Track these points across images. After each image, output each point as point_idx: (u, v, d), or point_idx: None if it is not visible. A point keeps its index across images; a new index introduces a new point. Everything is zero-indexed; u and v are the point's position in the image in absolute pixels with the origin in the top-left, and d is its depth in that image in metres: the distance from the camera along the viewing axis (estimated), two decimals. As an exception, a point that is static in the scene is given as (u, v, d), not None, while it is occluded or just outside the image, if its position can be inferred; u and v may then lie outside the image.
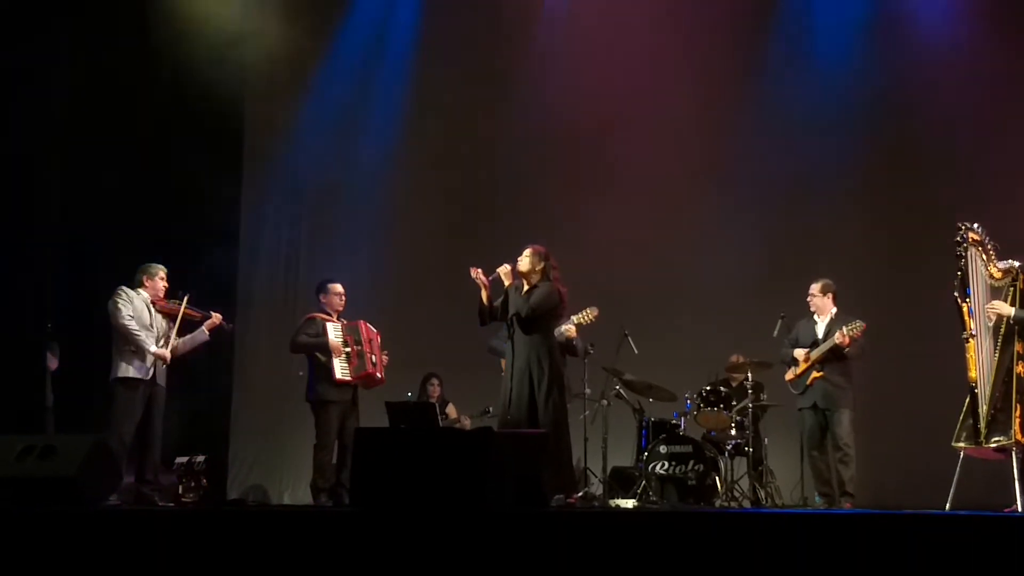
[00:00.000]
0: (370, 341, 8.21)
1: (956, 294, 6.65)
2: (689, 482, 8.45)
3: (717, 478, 8.47)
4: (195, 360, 8.66)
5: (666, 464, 8.55)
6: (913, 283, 9.50)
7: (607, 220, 10.48)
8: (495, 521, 5.09)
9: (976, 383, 6.62)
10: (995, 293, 6.76)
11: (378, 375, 8.22)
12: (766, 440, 8.90)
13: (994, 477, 7.14)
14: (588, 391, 8.79)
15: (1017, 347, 6.62)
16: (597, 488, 8.96)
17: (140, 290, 7.82)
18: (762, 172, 10.43)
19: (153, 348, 7.67)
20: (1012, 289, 6.72)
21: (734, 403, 8.90)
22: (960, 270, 6.64)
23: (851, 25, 10.38)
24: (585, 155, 10.78)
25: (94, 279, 8.94)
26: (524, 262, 7.49)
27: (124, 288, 7.76)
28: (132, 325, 7.63)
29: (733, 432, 8.81)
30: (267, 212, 10.99)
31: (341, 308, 8.34)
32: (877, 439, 8.84)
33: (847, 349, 7.92)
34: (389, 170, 10.84)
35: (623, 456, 9.29)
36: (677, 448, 8.59)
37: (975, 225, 6.67)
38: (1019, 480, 6.39)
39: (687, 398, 9.01)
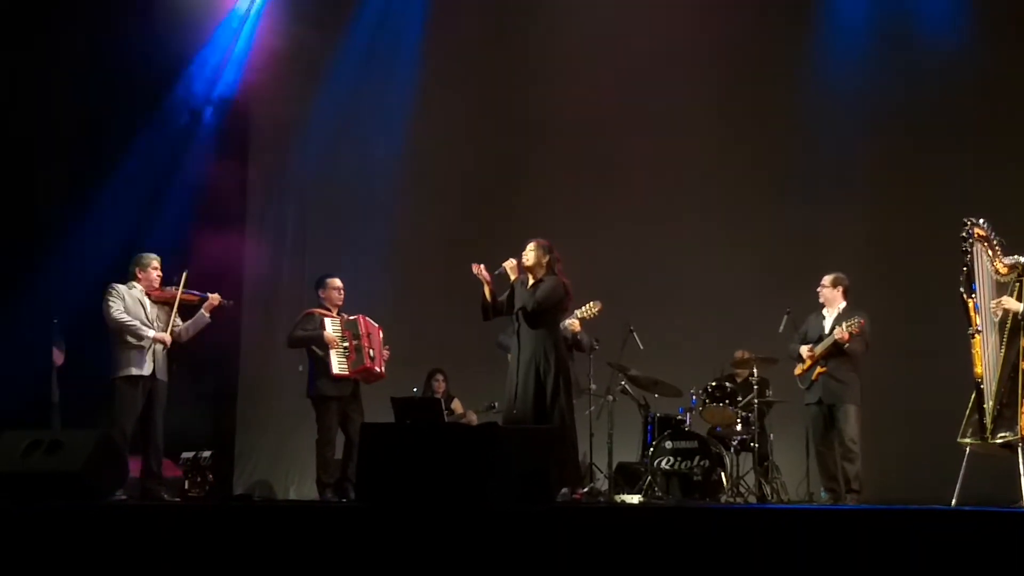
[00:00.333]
0: (368, 335, 8.17)
1: (962, 290, 6.64)
2: (694, 478, 8.44)
3: (723, 474, 8.46)
4: (201, 357, 8.69)
5: (671, 460, 8.54)
6: (918, 279, 9.48)
7: (612, 216, 10.50)
8: (500, 516, 5.09)
9: (982, 379, 6.61)
10: (1001, 289, 6.74)
11: (377, 369, 8.17)
12: (772, 436, 8.89)
13: (1000, 473, 7.12)
14: (594, 387, 8.80)
15: (1023, 343, 6.62)
16: (603, 484, 8.96)
17: (134, 283, 7.81)
18: (768, 168, 10.42)
19: (151, 333, 7.66)
20: (1019, 284, 6.71)
21: (739, 399, 8.90)
22: (966, 266, 6.63)
23: (859, 25, 10.36)
24: (590, 151, 10.78)
25: (99, 272, 8.95)
26: (530, 256, 7.48)
27: (114, 285, 7.75)
28: (124, 317, 7.62)
29: (739, 428, 8.81)
30: (273, 208, 11.00)
31: (340, 303, 8.30)
32: (883, 435, 8.82)
33: (847, 345, 7.90)
34: (394, 166, 10.83)
35: (628, 452, 9.29)
36: (682, 444, 8.58)
37: (981, 221, 6.66)
38: (1025, 476, 6.39)
39: (692, 394, 9.00)
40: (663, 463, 8.55)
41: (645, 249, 10.33)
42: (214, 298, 7.95)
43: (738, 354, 9.30)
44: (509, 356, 7.65)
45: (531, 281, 7.48)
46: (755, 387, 8.69)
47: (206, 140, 10.38)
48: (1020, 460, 6.46)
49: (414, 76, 10.93)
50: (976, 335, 6.60)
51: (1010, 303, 6.64)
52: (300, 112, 10.90)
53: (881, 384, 8.82)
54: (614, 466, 8.96)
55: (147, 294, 7.81)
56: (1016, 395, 6.55)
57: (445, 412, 8.38)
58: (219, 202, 10.16)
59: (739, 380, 9.28)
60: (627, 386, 9.13)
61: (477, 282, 7.53)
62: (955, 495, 6.67)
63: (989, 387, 6.61)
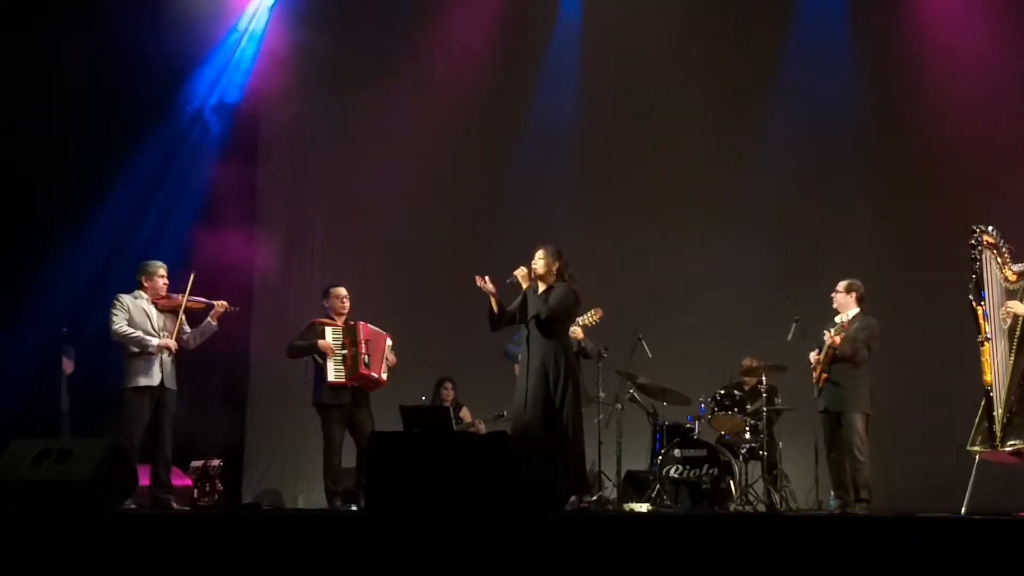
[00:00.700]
0: (367, 342, 8.15)
1: (971, 297, 6.63)
2: (703, 486, 8.43)
3: (731, 482, 8.44)
4: (210, 365, 8.69)
5: (680, 468, 8.53)
6: (927, 287, 9.47)
7: (621, 223, 10.50)
8: (509, 525, 5.09)
9: (991, 387, 6.59)
10: (1010, 296, 6.73)
11: (374, 375, 8.14)
12: (780, 444, 8.86)
13: (1010, 481, 7.11)
14: (602, 395, 8.79)
15: (1033, 350, 6.61)
16: (611, 492, 8.96)
17: (140, 292, 7.81)
18: (776, 175, 10.40)
19: (155, 340, 7.66)
20: (1028, 292, 6.71)
21: (748, 407, 8.88)
22: (975, 273, 6.62)
23: (862, 30, 10.35)
24: (597, 159, 10.80)
25: (107, 278, 8.98)
26: (540, 264, 7.48)
27: (120, 296, 7.76)
28: (126, 329, 7.62)
29: (747, 436, 8.80)
30: (281, 215, 11.01)
31: (345, 311, 8.29)
32: (892, 443, 8.81)
33: (837, 351, 7.87)
34: (402, 172, 10.84)
35: (637, 460, 9.28)
36: (691, 452, 8.57)
37: (990, 228, 6.66)
38: (1035, 484, 6.38)
39: (701, 402, 8.99)
40: (672, 471, 8.54)
41: (654, 257, 10.32)
42: (220, 305, 7.94)
43: (747, 362, 9.29)
44: (516, 365, 7.64)
45: (541, 288, 7.48)
46: (764, 395, 8.67)
47: (214, 146, 10.40)
48: (1030, 468, 6.44)
49: (421, 81, 10.95)
50: (985, 343, 6.59)
51: (1018, 307, 6.63)
52: (308, 118, 10.92)
53: (890, 392, 8.80)
54: (623, 474, 8.96)
55: (153, 302, 7.82)
56: (1026, 403, 6.54)
57: (454, 420, 8.40)
58: (227, 208, 10.17)
59: (748, 388, 9.27)
60: (636, 394, 9.13)
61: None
62: (965, 503, 6.65)
63: (999, 395, 6.59)
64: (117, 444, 6.81)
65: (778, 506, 8.52)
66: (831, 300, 8.13)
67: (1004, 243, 6.67)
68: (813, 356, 8.09)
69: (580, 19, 10.89)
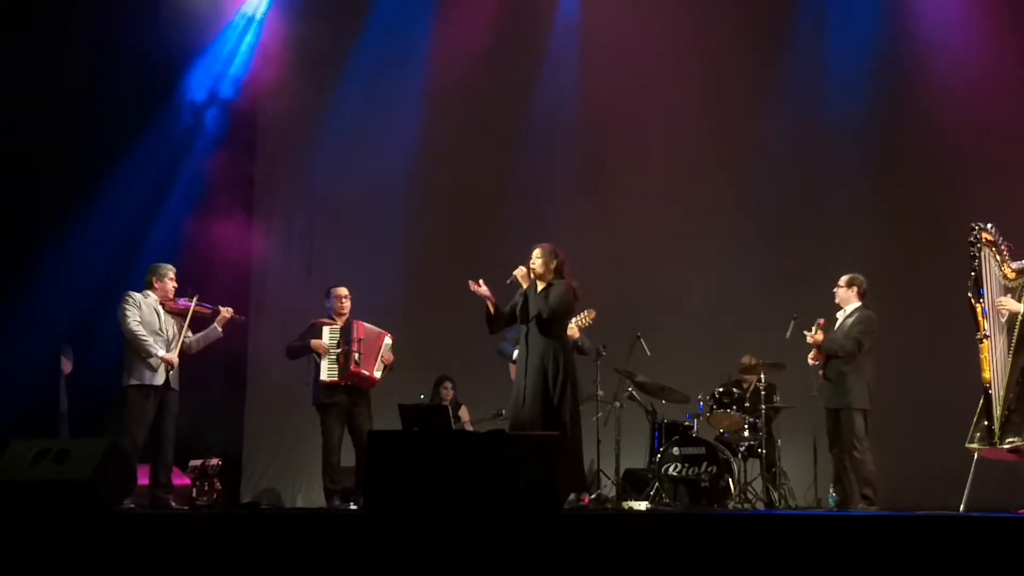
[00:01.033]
0: (359, 341, 8.14)
1: (970, 295, 6.63)
2: (702, 484, 8.44)
3: (730, 480, 8.44)
4: (209, 364, 8.69)
5: (679, 466, 8.54)
6: (926, 284, 9.47)
7: (619, 222, 10.49)
8: (508, 523, 5.09)
9: (990, 384, 6.60)
10: (1009, 294, 6.73)
11: (365, 373, 8.13)
12: (779, 441, 8.87)
13: (1009, 478, 7.11)
14: (601, 393, 8.79)
15: (1031, 348, 6.61)
16: (610, 490, 8.96)
17: (149, 292, 7.81)
18: (774, 173, 10.39)
19: (160, 353, 7.65)
20: (1027, 289, 6.71)
21: (747, 404, 8.88)
22: (974, 271, 6.63)
23: (864, 26, 10.34)
24: (594, 158, 10.79)
25: (104, 275, 8.98)
26: (538, 263, 7.47)
27: (131, 293, 7.75)
28: (140, 331, 7.61)
29: (746, 433, 8.80)
30: (279, 213, 11.01)
31: (345, 312, 8.30)
32: (891, 440, 8.79)
33: (822, 347, 7.86)
34: (402, 171, 10.85)
35: (636, 458, 9.28)
36: (690, 450, 8.57)
37: (989, 225, 6.66)
38: (1033, 481, 6.38)
39: (700, 400, 8.99)
40: (670, 469, 8.55)
41: (652, 255, 10.31)
42: (226, 312, 7.96)
43: (745, 360, 9.29)
44: (510, 363, 7.62)
45: (540, 286, 7.48)
46: (762, 393, 8.68)
47: (212, 142, 10.39)
48: (1029, 465, 6.45)
49: (422, 80, 10.95)
50: (984, 340, 6.60)
51: (1012, 304, 6.63)
52: (307, 114, 10.92)
53: (889, 389, 8.79)
54: (621, 472, 8.96)
55: (161, 304, 7.82)
56: (1024, 400, 6.54)
57: (453, 419, 8.39)
58: (224, 202, 10.17)
59: (746, 386, 9.26)
60: (634, 392, 9.13)
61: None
62: (964, 500, 6.65)
63: (997, 392, 6.60)
64: (116, 444, 6.80)
65: (777, 504, 8.53)
66: (830, 297, 8.11)
67: (1003, 241, 6.68)
68: (811, 355, 8.09)
69: (579, 17, 10.88)
